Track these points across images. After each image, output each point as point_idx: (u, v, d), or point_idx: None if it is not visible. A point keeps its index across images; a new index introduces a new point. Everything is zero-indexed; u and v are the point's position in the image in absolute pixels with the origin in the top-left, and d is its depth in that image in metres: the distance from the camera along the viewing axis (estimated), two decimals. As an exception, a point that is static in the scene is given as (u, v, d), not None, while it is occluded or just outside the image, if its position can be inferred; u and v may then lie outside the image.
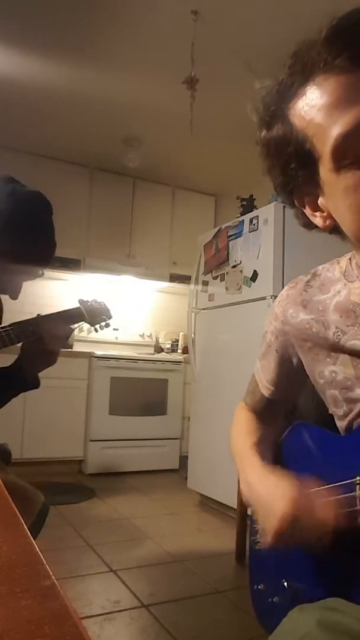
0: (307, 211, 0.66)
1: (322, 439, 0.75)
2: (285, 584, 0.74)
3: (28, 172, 3.97)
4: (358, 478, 0.62)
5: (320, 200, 0.63)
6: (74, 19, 2.63)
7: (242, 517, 2.26)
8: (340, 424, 0.74)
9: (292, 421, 0.88)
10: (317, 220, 0.65)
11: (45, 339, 1.23)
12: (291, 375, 0.83)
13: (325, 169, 0.59)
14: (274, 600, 0.75)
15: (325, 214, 0.64)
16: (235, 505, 2.39)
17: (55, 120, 3.70)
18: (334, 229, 0.64)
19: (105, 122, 3.72)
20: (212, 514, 2.95)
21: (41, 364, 1.27)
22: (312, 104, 0.57)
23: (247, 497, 0.75)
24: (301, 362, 0.79)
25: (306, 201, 0.65)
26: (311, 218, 0.66)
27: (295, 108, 0.60)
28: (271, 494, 0.69)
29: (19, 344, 1.27)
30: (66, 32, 2.75)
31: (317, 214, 0.65)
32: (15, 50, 2.91)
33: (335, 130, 0.55)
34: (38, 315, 1.30)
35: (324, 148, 0.57)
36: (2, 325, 1.24)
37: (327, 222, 0.64)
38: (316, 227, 0.66)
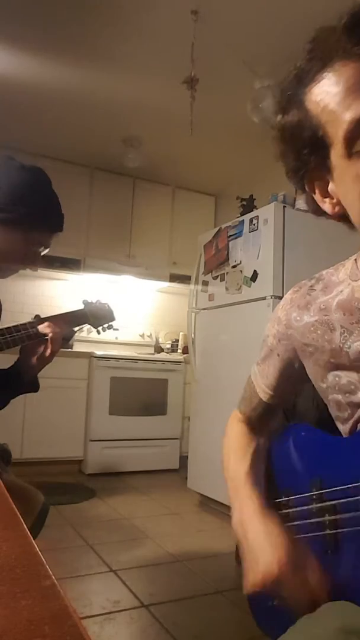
0: (317, 197, 0.66)
1: (324, 441, 0.75)
2: (274, 603, 0.74)
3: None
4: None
5: (331, 187, 0.64)
6: (74, 19, 2.63)
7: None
8: (344, 427, 0.73)
9: (290, 420, 0.88)
10: (326, 206, 0.65)
11: (46, 340, 1.24)
12: (291, 379, 0.82)
13: (336, 155, 0.59)
14: (274, 603, 0.74)
15: (334, 200, 0.64)
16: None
17: (55, 120, 3.70)
18: (342, 217, 0.64)
19: (105, 122, 3.72)
20: (212, 514, 2.95)
21: (39, 365, 1.27)
22: (327, 90, 0.58)
23: (238, 534, 0.75)
24: (302, 366, 0.78)
25: (316, 186, 0.65)
26: (320, 204, 0.66)
27: (311, 93, 0.60)
28: (261, 544, 0.69)
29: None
30: (66, 32, 2.75)
31: (327, 200, 0.65)
32: (15, 50, 2.91)
33: (349, 115, 0.55)
34: (37, 316, 1.30)
35: (337, 134, 0.57)
36: (1, 327, 1.23)
37: (336, 208, 0.64)
38: (325, 213, 0.67)
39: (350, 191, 0.59)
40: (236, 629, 1.68)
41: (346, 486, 0.65)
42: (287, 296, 0.80)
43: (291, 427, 0.83)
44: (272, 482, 0.81)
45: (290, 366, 0.80)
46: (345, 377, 0.69)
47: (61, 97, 3.38)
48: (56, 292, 4.43)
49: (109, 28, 2.69)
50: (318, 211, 0.67)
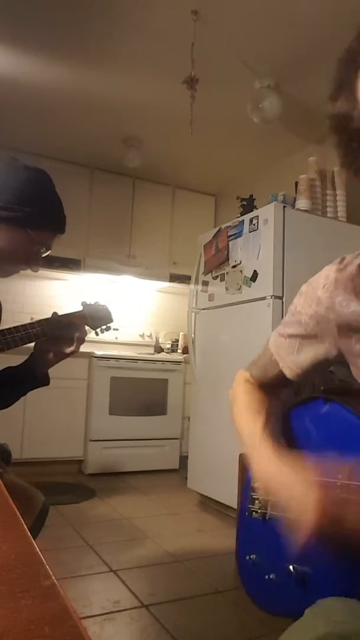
0: None
1: (350, 421, 0.72)
2: (292, 568, 0.71)
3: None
4: None
5: None
6: (74, 19, 2.63)
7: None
8: None
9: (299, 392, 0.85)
10: None
11: (71, 341, 1.29)
12: (321, 362, 0.78)
13: None
14: (271, 577, 0.73)
15: None
16: (235, 505, 2.39)
17: (55, 120, 3.70)
18: None
19: (105, 122, 3.72)
20: (212, 514, 2.95)
21: (53, 362, 1.31)
22: None
23: (264, 484, 0.71)
24: (340, 351, 0.74)
25: None
26: None
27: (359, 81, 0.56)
28: (300, 487, 0.64)
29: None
30: (66, 32, 2.75)
31: None
32: (15, 50, 2.91)
33: None
34: (54, 313, 1.32)
35: None
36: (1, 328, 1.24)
37: None
38: None
39: None
40: (236, 629, 1.69)
41: None
42: (330, 274, 0.73)
43: (319, 399, 0.79)
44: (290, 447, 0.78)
45: (323, 348, 0.76)
46: None
47: (61, 97, 3.38)
48: (56, 292, 4.43)
49: (109, 28, 2.69)
50: None
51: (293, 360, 0.80)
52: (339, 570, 0.66)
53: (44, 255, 1.27)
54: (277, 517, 0.77)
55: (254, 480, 0.79)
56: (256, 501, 0.82)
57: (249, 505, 0.84)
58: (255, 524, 0.82)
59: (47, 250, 1.26)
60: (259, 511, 0.81)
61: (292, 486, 0.64)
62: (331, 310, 0.71)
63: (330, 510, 0.59)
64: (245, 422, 0.81)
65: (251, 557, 0.78)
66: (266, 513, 0.79)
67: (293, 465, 0.67)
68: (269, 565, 0.74)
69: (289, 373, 0.81)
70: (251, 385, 0.86)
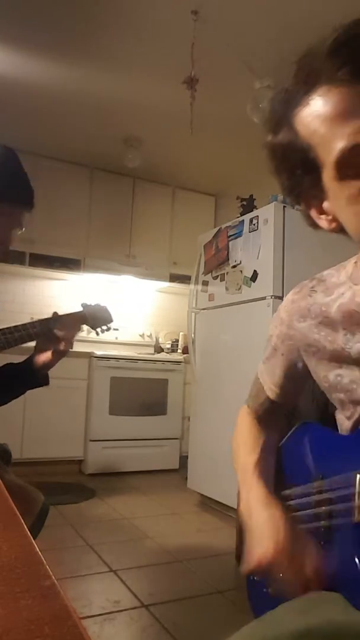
0: (313, 213, 0.68)
1: (327, 438, 0.76)
2: (282, 576, 0.74)
3: (28, 172, 3.97)
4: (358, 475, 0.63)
5: (325, 204, 0.65)
6: (74, 19, 2.63)
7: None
8: (346, 425, 0.75)
9: (292, 422, 0.88)
10: (323, 222, 0.67)
11: (59, 339, 1.28)
12: (296, 379, 0.84)
13: (328, 177, 0.61)
14: (269, 590, 0.75)
15: (330, 217, 0.66)
16: (235, 505, 2.39)
17: (55, 120, 3.70)
18: (340, 230, 0.66)
19: (105, 122, 3.72)
20: (212, 514, 2.95)
21: (52, 362, 1.31)
22: (315, 114, 0.59)
23: (243, 518, 0.77)
24: (305, 366, 0.80)
25: (312, 204, 0.67)
26: (317, 220, 0.68)
27: (300, 116, 0.61)
28: (262, 527, 0.72)
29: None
30: (66, 32, 2.75)
31: (323, 216, 0.67)
32: (15, 50, 2.91)
33: (339, 144, 0.57)
34: (54, 313, 1.32)
35: (328, 158, 0.59)
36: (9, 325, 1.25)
37: (333, 225, 0.66)
38: (322, 228, 0.68)
39: (345, 211, 0.61)
40: (236, 629, 1.68)
41: (340, 475, 0.66)
42: (289, 297, 0.82)
43: (301, 426, 0.84)
44: (281, 478, 0.83)
45: (294, 366, 0.82)
46: (347, 376, 0.71)
47: (61, 97, 3.38)
48: (56, 292, 4.42)
49: (109, 28, 2.69)
50: (315, 225, 0.69)
51: (271, 381, 0.87)
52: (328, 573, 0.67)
53: (18, 234, 1.25)
54: None
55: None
56: None
57: None
58: None
59: (19, 228, 1.24)
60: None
61: (259, 527, 0.72)
62: (291, 327, 0.79)
63: (284, 549, 0.67)
64: (239, 451, 0.88)
65: (255, 577, 0.82)
66: None
67: (268, 506, 0.74)
68: (268, 579, 0.77)
69: (271, 394, 0.88)
70: (250, 420, 0.92)
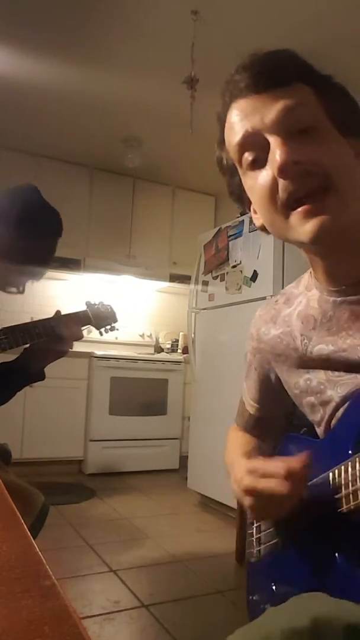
0: (252, 215, 0.74)
1: (304, 445, 0.77)
2: (274, 587, 0.75)
3: (28, 172, 3.97)
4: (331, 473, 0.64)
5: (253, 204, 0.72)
6: (74, 19, 2.63)
7: (242, 517, 2.26)
8: (320, 430, 0.76)
9: (292, 426, 0.89)
10: (256, 221, 0.73)
11: (59, 338, 1.27)
12: (272, 391, 0.86)
13: (242, 175, 0.70)
14: (266, 607, 0.75)
15: (257, 215, 0.72)
16: (235, 505, 2.39)
17: (55, 120, 3.69)
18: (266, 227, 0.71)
19: (105, 122, 3.72)
20: (212, 514, 2.95)
21: (49, 360, 1.30)
22: (227, 125, 0.71)
23: (233, 490, 0.75)
24: (279, 377, 0.83)
25: (249, 206, 0.74)
26: (255, 220, 0.74)
27: (225, 129, 0.72)
28: (237, 470, 0.71)
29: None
30: (66, 32, 2.75)
31: (255, 215, 0.73)
32: (15, 50, 2.91)
33: (235, 139, 0.67)
34: (57, 311, 1.32)
35: (235, 157, 0.69)
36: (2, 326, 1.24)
37: (259, 222, 0.72)
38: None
39: (254, 203, 0.70)
40: (236, 629, 1.68)
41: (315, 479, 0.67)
42: (257, 313, 0.88)
43: (284, 439, 0.86)
44: None
45: (267, 378, 0.86)
46: (315, 378, 0.73)
47: (61, 97, 3.38)
48: (56, 292, 4.42)
49: (109, 28, 2.69)
50: (262, 227, 0.73)
51: (250, 396, 0.91)
52: (312, 586, 0.67)
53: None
54: (267, 548, 0.80)
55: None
56: (252, 544, 0.85)
57: (247, 550, 0.88)
58: (255, 566, 0.85)
59: (40, 277, 1.26)
60: (254, 552, 0.84)
61: (237, 472, 0.71)
62: (260, 340, 0.84)
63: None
64: (229, 456, 0.87)
65: (254, 597, 0.83)
66: (260, 549, 0.82)
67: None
68: (265, 596, 0.78)
69: (251, 410, 0.91)
70: (240, 433, 0.95)
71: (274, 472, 0.63)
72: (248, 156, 0.66)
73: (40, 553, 0.38)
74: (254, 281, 2.78)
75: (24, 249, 1.19)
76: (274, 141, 0.62)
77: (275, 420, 0.91)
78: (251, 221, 2.86)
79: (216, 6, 2.50)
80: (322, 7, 2.46)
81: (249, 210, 0.74)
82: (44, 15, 2.60)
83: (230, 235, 3.01)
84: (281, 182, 0.62)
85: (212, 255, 3.19)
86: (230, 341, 2.93)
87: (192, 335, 3.32)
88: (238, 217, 3.03)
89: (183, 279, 4.41)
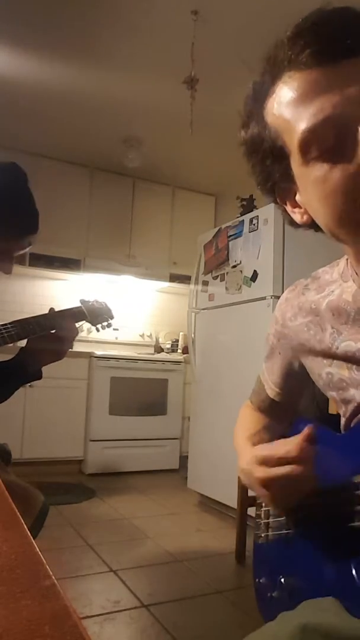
0: (288, 208, 0.67)
1: (323, 438, 0.76)
2: (282, 580, 0.74)
3: (28, 172, 3.97)
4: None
5: (297, 196, 0.64)
6: (73, 19, 2.63)
7: (242, 517, 2.26)
8: (342, 423, 0.75)
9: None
10: (296, 216, 0.66)
11: (57, 336, 1.26)
12: (295, 378, 0.84)
13: (296, 164, 0.60)
14: (273, 595, 0.75)
15: (302, 209, 0.64)
16: (235, 505, 2.39)
17: (55, 120, 3.70)
18: (314, 225, 0.64)
19: (105, 122, 3.72)
20: (212, 514, 2.95)
21: (47, 359, 1.28)
22: (280, 101, 0.59)
23: (244, 481, 0.76)
24: (302, 365, 0.80)
25: (286, 198, 0.66)
26: (291, 215, 0.67)
27: (267, 106, 0.61)
28: (243, 459, 0.72)
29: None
30: (66, 32, 2.75)
31: (296, 210, 0.65)
32: (15, 50, 2.91)
33: (301, 126, 0.56)
34: (51, 308, 1.32)
35: (293, 143, 0.58)
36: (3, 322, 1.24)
37: (304, 217, 0.64)
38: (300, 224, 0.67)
39: (312, 197, 0.59)
40: (236, 629, 1.68)
41: (339, 478, 0.66)
42: (284, 295, 0.82)
43: (298, 421, 0.83)
44: None
45: (291, 365, 0.83)
46: (337, 374, 0.71)
47: (61, 97, 3.38)
48: (56, 292, 4.42)
49: (108, 28, 2.69)
50: (293, 222, 0.67)
51: (271, 380, 0.88)
52: (320, 582, 0.67)
53: (22, 253, 1.24)
54: (276, 535, 0.79)
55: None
56: (261, 526, 0.84)
57: (255, 532, 0.87)
58: (262, 548, 0.84)
59: (23, 250, 1.23)
60: (262, 535, 0.83)
61: (245, 464, 0.70)
62: (285, 325, 0.80)
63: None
64: (237, 435, 0.87)
65: (261, 580, 0.81)
66: (268, 534, 0.81)
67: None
68: (272, 583, 0.77)
69: (271, 394, 0.88)
70: (251, 411, 0.94)
71: (286, 457, 0.62)
72: (321, 144, 0.55)
73: (40, 553, 0.38)
74: (254, 281, 2.78)
75: None
76: None
77: (294, 405, 0.90)
78: (251, 221, 2.87)
79: (216, 6, 2.50)
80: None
81: (283, 203, 0.67)
82: (44, 15, 2.60)
83: (230, 236, 3.01)
84: None
85: (212, 255, 3.19)
86: (230, 341, 2.93)
87: (192, 335, 3.32)
88: (238, 217, 3.03)
89: (183, 279, 4.41)
